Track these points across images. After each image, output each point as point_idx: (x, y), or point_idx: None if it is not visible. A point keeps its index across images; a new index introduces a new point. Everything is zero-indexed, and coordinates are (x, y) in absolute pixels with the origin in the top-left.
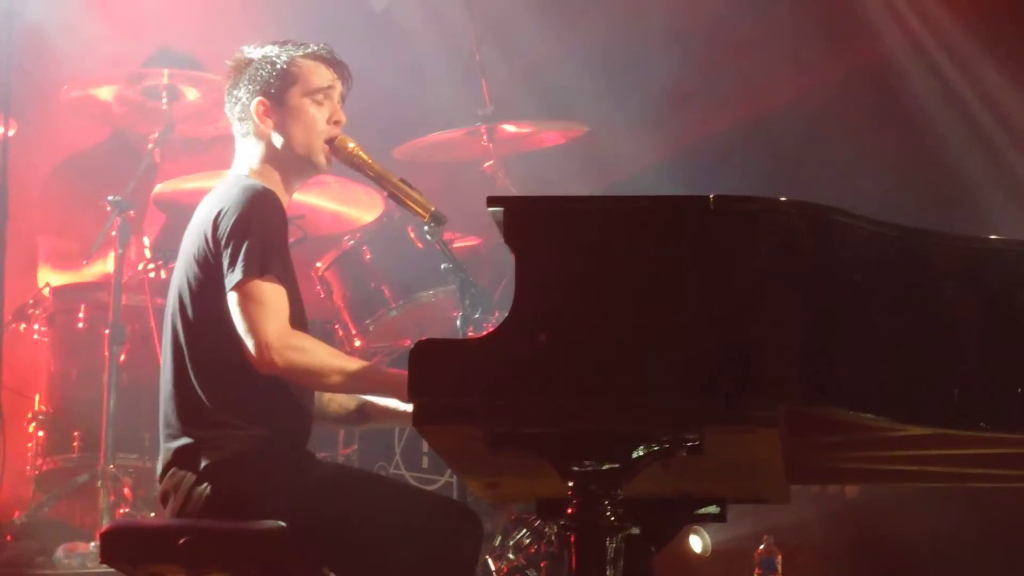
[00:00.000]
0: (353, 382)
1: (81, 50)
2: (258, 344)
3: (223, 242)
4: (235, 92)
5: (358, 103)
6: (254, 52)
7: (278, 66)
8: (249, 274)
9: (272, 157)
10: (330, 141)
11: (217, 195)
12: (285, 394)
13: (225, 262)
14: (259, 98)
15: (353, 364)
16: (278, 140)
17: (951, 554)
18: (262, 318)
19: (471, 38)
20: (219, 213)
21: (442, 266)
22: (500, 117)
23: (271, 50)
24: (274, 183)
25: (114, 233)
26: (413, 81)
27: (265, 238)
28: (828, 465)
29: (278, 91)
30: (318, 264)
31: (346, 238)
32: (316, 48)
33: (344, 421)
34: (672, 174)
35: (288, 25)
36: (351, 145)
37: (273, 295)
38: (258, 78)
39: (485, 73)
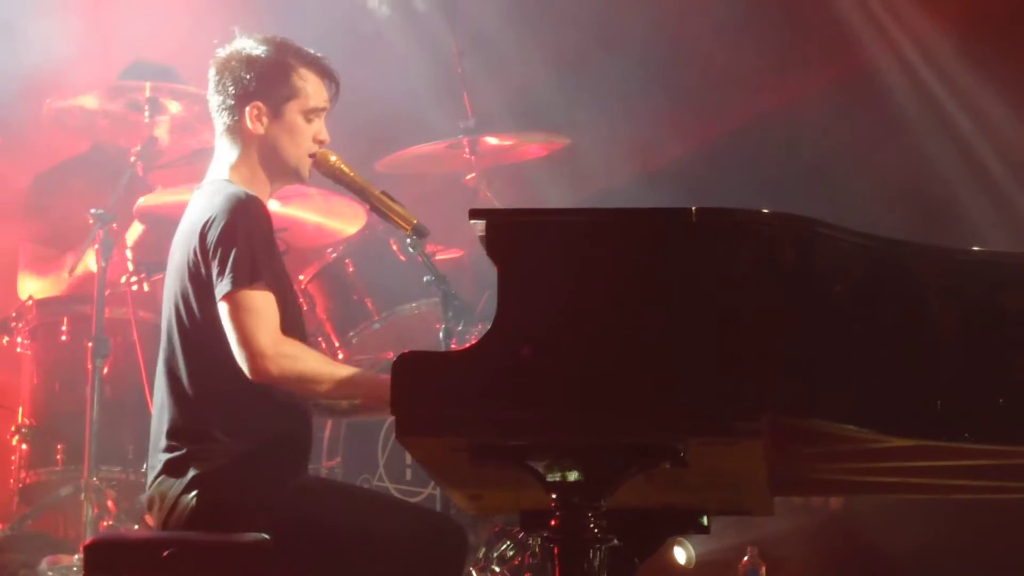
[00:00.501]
0: (345, 388)
1: (64, 62)
2: (251, 354)
3: (211, 252)
4: (227, 84)
5: (340, 116)
6: (254, 48)
7: (281, 74)
8: (238, 284)
9: (255, 159)
10: (311, 156)
11: (201, 205)
12: (279, 408)
13: (214, 272)
14: (256, 101)
15: (344, 370)
16: (265, 146)
17: (935, 565)
18: (254, 327)
19: (453, 51)
20: (206, 223)
21: (425, 278)
22: (482, 129)
23: (272, 52)
24: (256, 183)
25: (96, 246)
26: (395, 94)
27: (252, 245)
28: (811, 476)
29: (276, 101)
30: (301, 277)
31: (329, 251)
32: (317, 58)
33: (335, 411)
34: (655, 186)
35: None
36: (333, 159)
37: (264, 303)
38: (257, 80)
39: (467, 85)
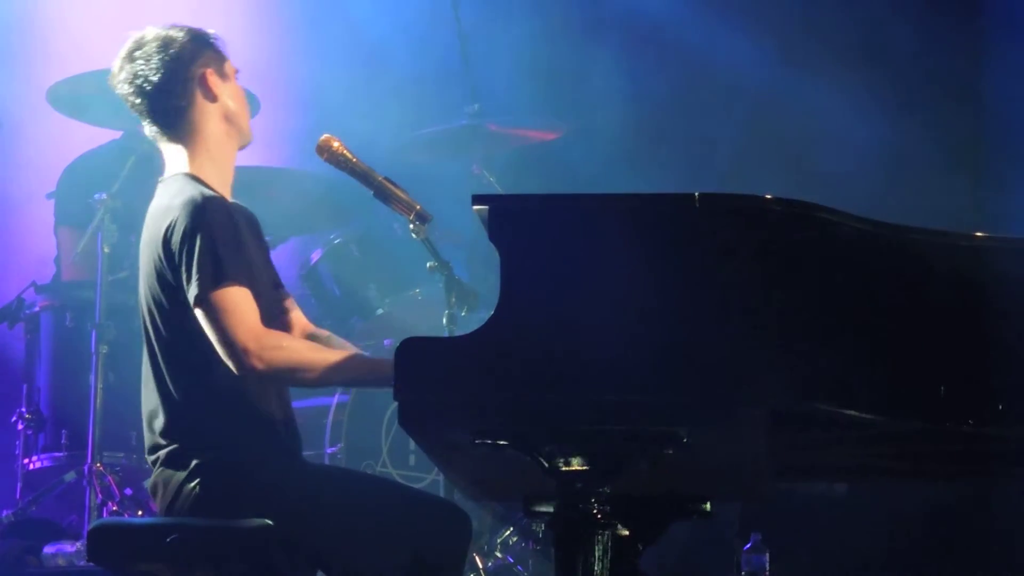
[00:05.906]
0: (337, 373)
1: (73, 49)
2: (235, 352)
3: (176, 258)
4: (159, 73)
5: (340, 102)
6: (176, 32)
7: (210, 42)
8: (205, 286)
9: (212, 138)
10: (323, 144)
11: (163, 205)
12: (268, 399)
13: (183, 278)
14: (209, 68)
15: (334, 355)
16: (223, 112)
17: (944, 552)
18: (232, 325)
19: (457, 35)
20: (167, 229)
21: (428, 264)
22: (486, 115)
23: (190, 30)
24: (219, 164)
25: (100, 232)
26: (397, 79)
27: (215, 245)
28: (815, 462)
29: (218, 64)
30: (306, 262)
31: (332, 236)
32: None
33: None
34: (659, 172)
35: (274, 26)
36: (336, 144)
37: (237, 299)
38: (200, 51)
39: (471, 70)
